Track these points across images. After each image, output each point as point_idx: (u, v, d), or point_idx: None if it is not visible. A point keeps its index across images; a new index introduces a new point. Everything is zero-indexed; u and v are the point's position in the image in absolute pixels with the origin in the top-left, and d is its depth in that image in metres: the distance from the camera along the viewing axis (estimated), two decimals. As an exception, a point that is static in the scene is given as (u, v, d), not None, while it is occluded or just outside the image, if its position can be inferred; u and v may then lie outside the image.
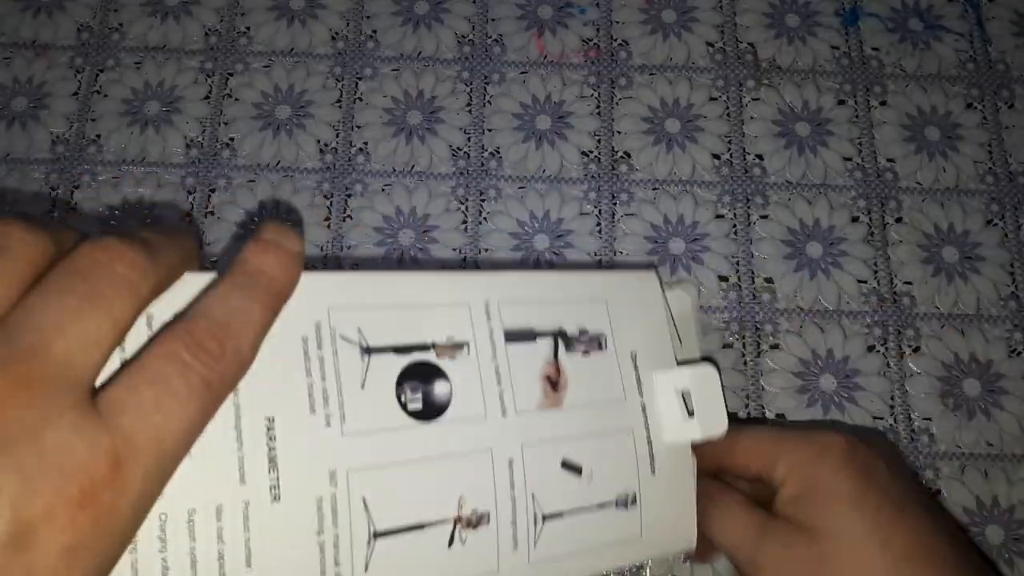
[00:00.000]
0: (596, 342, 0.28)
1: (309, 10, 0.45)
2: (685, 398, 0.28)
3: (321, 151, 0.42)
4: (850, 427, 0.38)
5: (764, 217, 0.41)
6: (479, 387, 0.25)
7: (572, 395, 0.26)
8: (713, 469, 0.31)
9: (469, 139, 0.42)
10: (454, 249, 0.40)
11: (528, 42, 0.44)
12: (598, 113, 0.43)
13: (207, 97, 0.43)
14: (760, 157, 0.43)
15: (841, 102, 0.44)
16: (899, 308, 0.40)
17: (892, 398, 0.39)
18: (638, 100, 0.43)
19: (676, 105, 0.43)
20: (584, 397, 0.27)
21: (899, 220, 0.42)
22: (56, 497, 0.15)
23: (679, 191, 0.42)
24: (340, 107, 0.43)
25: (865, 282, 0.40)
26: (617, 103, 0.43)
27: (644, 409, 0.28)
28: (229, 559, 0.20)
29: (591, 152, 0.42)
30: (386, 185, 0.41)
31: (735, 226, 0.41)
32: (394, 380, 0.23)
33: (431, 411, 0.24)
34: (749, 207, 0.42)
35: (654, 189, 0.42)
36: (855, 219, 0.42)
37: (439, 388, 0.24)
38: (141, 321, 0.19)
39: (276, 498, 0.21)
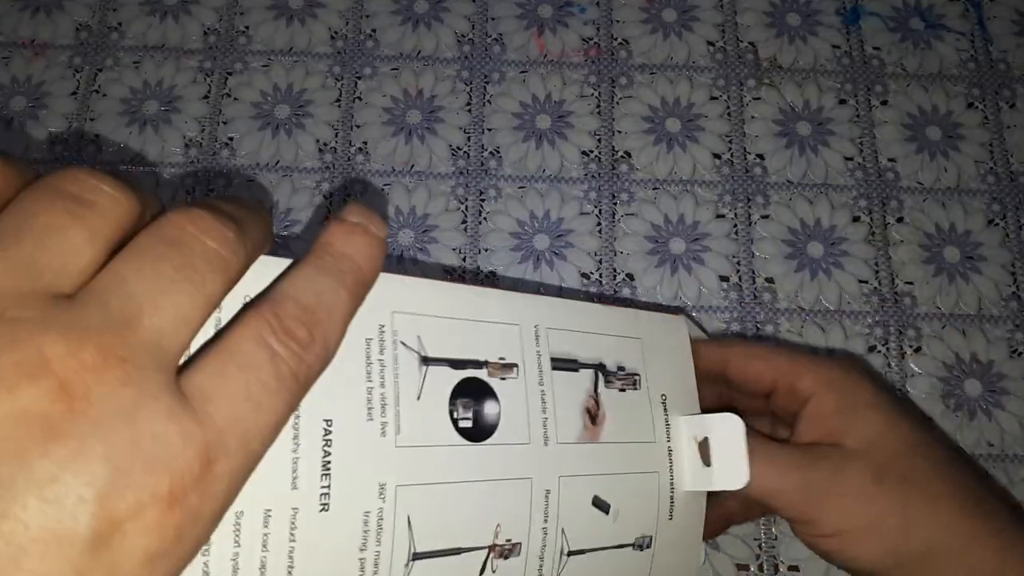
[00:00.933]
0: (632, 380, 0.27)
1: (308, 9, 0.45)
2: (704, 447, 0.27)
3: (320, 151, 0.42)
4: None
5: (765, 217, 0.41)
6: (525, 412, 0.24)
7: (608, 431, 0.26)
8: (716, 374, 0.31)
9: (469, 139, 0.42)
10: (454, 249, 0.40)
11: (528, 41, 0.44)
12: (598, 112, 0.43)
13: (206, 96, 0.43)
14: (761, 157, 0.42)
15: (842, 101, 0.44)
16: (900, 308, 0.40)
17: (893, 398, 0.39)
18: (638, 99, 0.43)
19: (677, 104, 0.43)
20: (619, 434, 0.26)
21: (900, 220, 0.42)
22: (147, 494, 0.13)
23: (679, 191, 0.42)
24: (339, 106, 0.43)
25: (866, 282, 0.40)
26: (617, 102, 0.43)
27: (670, 453, 0.27)
28: (271, 569, 0.18)
29: (591, 152, 0.42)
30: (385, 185, 0.41)
31: (736, 226, 0.41)
32: (448, 394, 0.22)
33: (480, 432, 0.23)
34: (750, 207, 0.41)
35: (654, 189, 0.42)
36: (856, 219, 0.41)
37: (489, 408, 0.23)
38: None
39: (325, 507, 0.19)
